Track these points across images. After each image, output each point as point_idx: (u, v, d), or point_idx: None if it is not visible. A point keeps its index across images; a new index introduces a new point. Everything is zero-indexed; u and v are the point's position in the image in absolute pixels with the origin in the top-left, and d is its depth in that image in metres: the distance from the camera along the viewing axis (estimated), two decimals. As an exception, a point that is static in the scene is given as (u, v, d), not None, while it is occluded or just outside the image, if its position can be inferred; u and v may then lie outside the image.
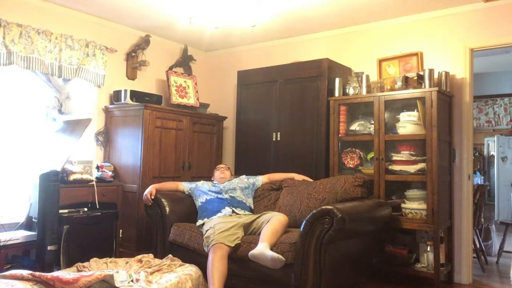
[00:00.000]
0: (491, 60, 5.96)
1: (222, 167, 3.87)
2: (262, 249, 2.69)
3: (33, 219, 3.49)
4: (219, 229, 2.98)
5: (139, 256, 3.02)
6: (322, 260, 2.66)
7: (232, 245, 2.90)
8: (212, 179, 3.85)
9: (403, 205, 3.51)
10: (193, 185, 3.68)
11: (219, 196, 3.50)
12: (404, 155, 3.51)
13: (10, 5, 3.61)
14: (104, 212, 3.67)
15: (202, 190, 3.59)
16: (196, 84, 4.81)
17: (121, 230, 3.88)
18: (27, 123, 3.97)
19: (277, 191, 3.67)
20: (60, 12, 3.95)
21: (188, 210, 3.57)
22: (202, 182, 3.75)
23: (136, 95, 4.18)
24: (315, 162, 3.86)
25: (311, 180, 3.59)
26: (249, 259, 2.75)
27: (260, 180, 3.75)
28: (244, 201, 3.53)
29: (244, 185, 3.67)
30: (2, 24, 3.44)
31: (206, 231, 3.07)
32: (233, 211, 3.34)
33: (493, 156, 7.90)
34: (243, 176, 3.81)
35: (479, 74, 6.50)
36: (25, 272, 2.30)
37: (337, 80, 3.86)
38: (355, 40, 4.31)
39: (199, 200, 3.53)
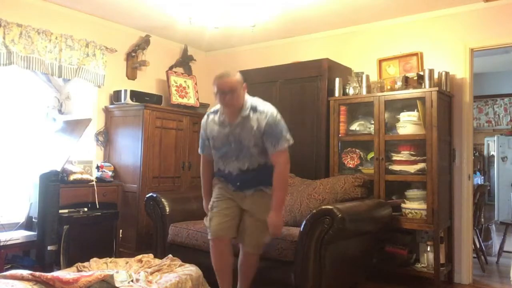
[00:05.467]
0: (491, 60, 5.95)
1: None
2: None
3: (33, 219, 3.49)
4: (215, 218, 2.60)
5: (139, 256, 3.02)
6: (322, 260, 2.66)
7: (232, 236, 2.61)
8: None
9: (403, 205, 3.51)
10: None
11: None
12: (404, 155, 3.51)
13: (10, 5, 3.61)
14: (104, 212, 3.67)
15: None
16: (196, 84, 4.81)
17: (121, 230, 3.88)
18: (27, 123, 3.97)
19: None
20: (60, 12, 3.95)
21: (188, 210, 3.57)
22: None
23: (136, 95, 4.18)
24: (315, 162, 3.86)
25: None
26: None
27: None
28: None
29: None
30: (2, 24, 3.44)
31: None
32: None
33: (493, 156, 7.90)
34: None
35: (479, 74, 6.49)
36: (25, 272, 2.30)
37: (337, 80, 3.86)
38: (355, 40, 4.31)
39: None
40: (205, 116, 2.68)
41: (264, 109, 2.49)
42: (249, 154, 2.50)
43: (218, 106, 2.60)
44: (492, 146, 8.06)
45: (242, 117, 2.48)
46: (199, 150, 2.78)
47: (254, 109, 2.49)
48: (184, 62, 5.06)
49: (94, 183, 3.72)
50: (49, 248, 3.15)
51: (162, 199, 3.49)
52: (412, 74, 3.63)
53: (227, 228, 2.57)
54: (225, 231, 2.57)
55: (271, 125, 2.46)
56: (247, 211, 2.59)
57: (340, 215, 2.63)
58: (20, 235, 3.35)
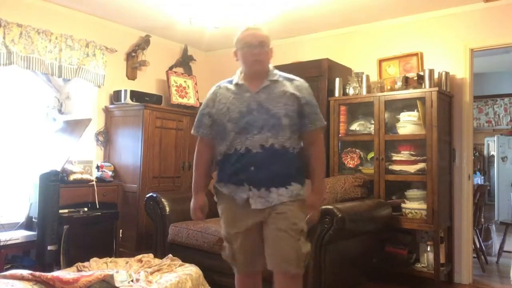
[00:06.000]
0: (491, 60, 5.95)
1: None
2: None
3: (33, 219, 3.49)
4: (239, 256, 2.08)
5: (139, 256, 3.03)
6: (322, 260, 2.66)
7: (262, 268, 2.11)
8: None
9: (403, 205, 3.51)
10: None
11: None
12: (404, 155, 3.51)
13: (10, 5, 3.61)
14: (104, 212, 3.67)
15: None
16: (196, 84, 4.81)
17: (121, 230, 3.87)
18: (27, 123, 3.97)
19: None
20: (60, 12, 3.95)
21: (188, 210, 3.55)
22: None
23: (136, 95, 4.18)
24: (315, 162, 3.85)
25: None
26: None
27: None
28: None
29: None
30: (2, 24, 3.44)
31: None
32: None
33: (493, 156, 7.90)
34: None
35: (479, 74, 6.48)
36: (25, 272, 2.30)
37: (337, 80, 3.86)
38: (355, 40, 4.31)
39: None
40: (214, 87, 2.13)
41: (301, 80, 2.09)
42: (278, 125, 1.95)
43: (232, 77, 2.12)
44: (492, 146, 8.06)
45: (270, 81, 2.01)
46: (193, 131, 2.17)
47: (285, 77, 2.07)
48: (184, 62, 5.06)
49: (94, 183, 3.72)
50: (49, 248, 3.15)
51: (162, 199, 3.49)
52: (412, 74, 3.63)
53: (258, 259, 2.04)
54: (257, 264, 2.07)
55: (311, 96, 2.07)
56: (268, 220, 1.97)
57: (340, 215, 2.63)
58: (20, 235, 3.35)
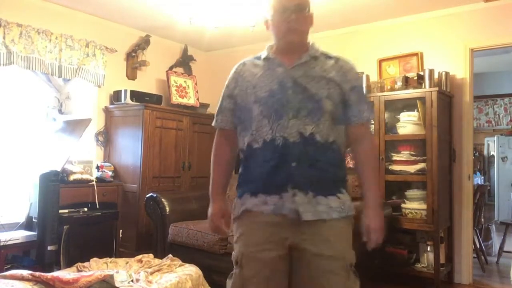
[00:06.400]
0: (491, 60, 5.95)
1: None
2: None
3: (33, 219, 3.48)
4: (249, 281, 1.53)
5: (139, 256, 3.02)
6: (322, 260, 2.66)
7: None
8: None
9: (403, 205, 3.51)
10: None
11: None
12: (404, 155, 3.51)
13: (10, 5, 3.61)
14: (104, 212, 3.67)
15: None
16: (196, 84, 4.81)
17: (121, 230, 3.88)
18: (27, 123, 3.97)
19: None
20: (60, 12, 3.94)
21: (188, 210, 3.57)
22: None
23: (136, 95, 4.18)
24: (315, 162, 3.85)
25: None
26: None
27: None
28: None
29: None
30: (2, 24, 3.44)
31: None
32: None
33: (493, 156, 7.90)
34: None
35: (479, 74, 6.48)
36: (25, 272, 2.30)
37: (337, 80, 3.86)
38: (355, 40, 4.31)
39: None
40: (237, 65, 1.72)
41: (346, 59, 1.64)
42: (319, 109, 1.50)
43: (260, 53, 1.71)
44: (492, 146, 8.05)
45: (310, 56, 1.58)
46: (214, 122, 1.73)
47: (326, 55, 1.62)
48: (184, 62, 5.06)
49: (94, 183, 3.72)
50: (49, 248, 3.15)
51: (162, 199, 3.49)
52: (412, 74, 3.63)
53: None
54: None
55: (360, 82, 1.67)
56: (307, 250, 1.48)
57: (340, 215, 2.62)
58: (20, 235, 3.34)
